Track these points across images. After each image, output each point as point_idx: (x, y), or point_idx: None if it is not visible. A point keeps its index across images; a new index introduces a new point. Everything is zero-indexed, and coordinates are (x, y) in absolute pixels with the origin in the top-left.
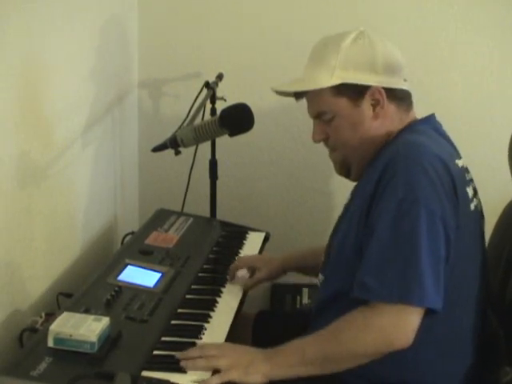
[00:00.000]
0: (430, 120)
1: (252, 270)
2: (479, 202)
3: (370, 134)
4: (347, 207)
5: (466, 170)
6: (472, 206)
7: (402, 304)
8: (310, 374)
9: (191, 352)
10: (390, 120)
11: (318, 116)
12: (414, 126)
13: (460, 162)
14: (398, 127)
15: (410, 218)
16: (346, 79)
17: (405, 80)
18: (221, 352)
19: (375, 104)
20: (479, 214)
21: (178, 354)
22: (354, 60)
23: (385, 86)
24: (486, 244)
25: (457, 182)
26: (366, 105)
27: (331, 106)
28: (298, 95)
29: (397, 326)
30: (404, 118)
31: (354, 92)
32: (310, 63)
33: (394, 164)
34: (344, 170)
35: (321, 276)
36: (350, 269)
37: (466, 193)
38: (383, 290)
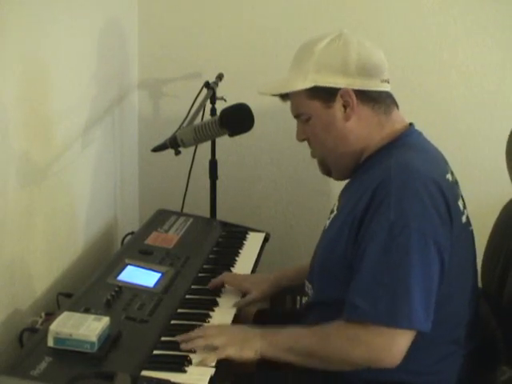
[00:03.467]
0: (416, 130)
1: (242, 292)
2: (467, 211)
3: (343, 134)
4: (334, 220)
5: (455, 183)
6: (463, 219)
7: (391, 327)
8: (296, 363)
9: (192, 333)
10: (366, 122)
11: (297, 116)
12: (405, 137)
13: (450, 177)
14: (380, 131)
15: (401, 242)
16: (318, 82)
17: (385, 81)
18: (219, 331)
19: (346, 105)
20: (468, 223)
21: (178, 337)
22: (326, 63)
23: (355, 88)
24: (485, 243)
25: (450, 200)
26: (338, 106)
27: (306, 108)
28: (283, 96)
29: (384, 347)
30: (384, 121)
31: (326, 94)
32: (291, 65)
33: (386, 185)
34: (324, 170)
35: (307, 283)
36: (335, 279)
37: (458, 207)
38: (373, 312)
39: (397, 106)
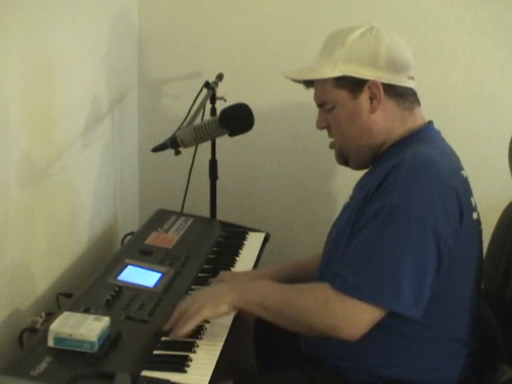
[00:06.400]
0: (434, 127)
1: None
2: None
3: (367, 126)
4: (345, 208)
5: (467, 180)
6: (474, 215)
7: (369, 302)
8: (267, 318)
9: (172, 318)
10: (390, 116)
11: (321, 105)
12: (424, 132)
13: (463, 173)
14: (402, 125)
15: (399, 226)
16: (346, 72)
17: (411, 78)
18: (192, 300)
19: (373, 97)
20: (479, 222)
21: (166, 326)
22: (357, 54)
23: (384, 81)
24: (487, 244)
25: (463, 196)
26: (364, 98)
27: (332, 97)
28: (307, 82)
29: (347, 317)
30: (407, 116)
31: (354, 85)
32: (321, 52)
33: (396, 171)
34: (341, 159)
35: (316, 274)
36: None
37: (471, 203)
38: (358, 285)
39: (419, 104)
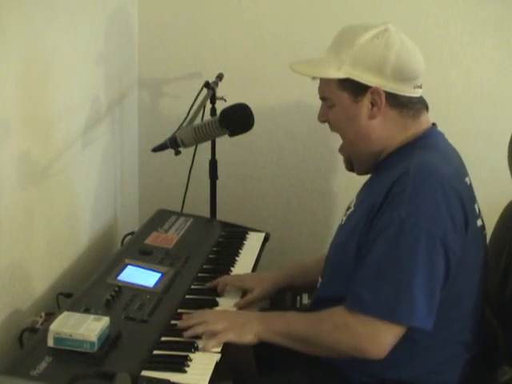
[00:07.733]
0: (437, 130)
1: (243, 291)
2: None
3: (365, 131)
4: (350, 216)
5: (471, 187)
6: (479, 222)
7: (388, 321)
8: (292, 348)
9: (191, 320)
10: (390, 124)
11: (322, 99)
12: (427, 137)
13: (468, 180)
14: (404, 132)
15: (409, 240)
16: (351, 75)
17: (418, 87)
18: (217, 317)
19: (374, 104)
20: (483, 227)
21: (179, 323)
22: (364, 59)
23: (387, 89)
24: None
25: (467, 205)
26: (366, 103)
27: (333, 96)
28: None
29: (370, 338)
30: (410, 125)
31: (357, 88)
32: (329, 48)
33: (403, 181)
34: (348, 164)
35: (320, 279)
36: (347, 276)
37: (475, 210)
38: (375, 305)
39: (427, 109)
